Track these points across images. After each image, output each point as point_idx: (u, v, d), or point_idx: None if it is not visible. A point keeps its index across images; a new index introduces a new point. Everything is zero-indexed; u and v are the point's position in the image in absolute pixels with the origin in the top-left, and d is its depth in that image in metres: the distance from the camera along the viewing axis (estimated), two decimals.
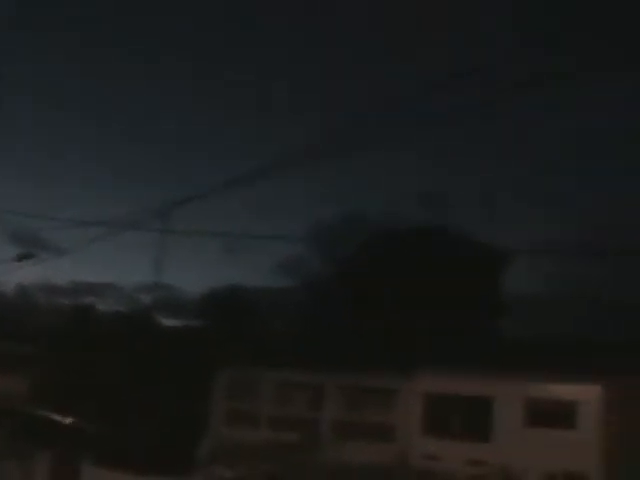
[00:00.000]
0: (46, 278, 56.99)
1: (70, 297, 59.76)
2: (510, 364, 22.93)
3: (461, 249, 42.82)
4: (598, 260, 37.89)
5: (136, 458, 31.66)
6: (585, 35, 11.68)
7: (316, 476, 25.67)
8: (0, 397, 38.72)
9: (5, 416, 36.57)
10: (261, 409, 28.89)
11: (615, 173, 62.60)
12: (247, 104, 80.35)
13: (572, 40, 12.03)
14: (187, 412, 33.23)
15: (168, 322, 51.29)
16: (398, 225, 45.23)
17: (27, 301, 58.59)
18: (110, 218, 28.11)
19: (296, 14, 70.80)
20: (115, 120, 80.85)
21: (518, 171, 69.79)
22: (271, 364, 29.46)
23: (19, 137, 79.02)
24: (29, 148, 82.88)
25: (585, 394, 20.49)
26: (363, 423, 25.71)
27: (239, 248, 67.08)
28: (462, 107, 14.72)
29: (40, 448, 33.74)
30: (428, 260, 41.61)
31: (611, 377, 20.44)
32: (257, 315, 47.33)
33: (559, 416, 20.83)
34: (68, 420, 36.50)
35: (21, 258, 29.25)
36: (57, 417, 36.87)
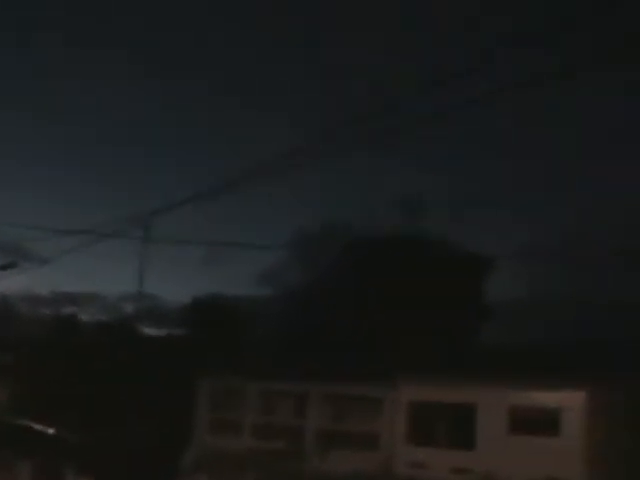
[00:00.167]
0: (28, 287, 56.72)
1: (52, 306, 59.52)
2: (494, 371, 22.99)
3: (443, 256, 42.95)
4: (581, 265, 38.11)
5: (119, 468, 31.60)
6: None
7: None
8: None
9: None
10: (245, 418, 28.87)
11: (595, 177, 62.67)
12: (230, 108, 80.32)
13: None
14: (170, 421, 33.18)
15: (151, 331, 51.20)
16: (379, 233, 45.30)
17: (9, 310, 58.30)
18: (92, 227, 28.11)
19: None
20: (97, 128, 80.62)
21: (498, 176, 69.99)
22: (254, 373, 29.46)
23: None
24: (9, 156, 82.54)
25: (569, 401, 20.52)
26: (347, 432, 25.72)
27: (221, 257, 66.89)
28: (441, 112, 14.79)
29: (21, 458, 33.63)
30: (410, 268, 41.70)
31: (595, 384, 20.50)
32: (240, 324, 47.30)
33: (543, 423, 20.85)
34: (50, 430, 36.39)
35: (4, 268, 29.23)
36: (39, 427, 36.75)
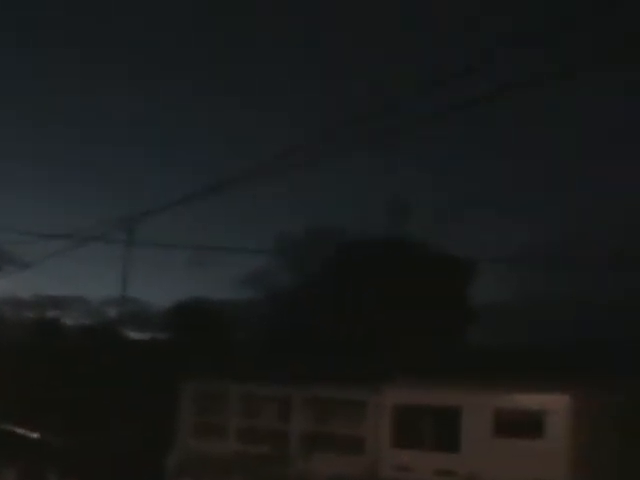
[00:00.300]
0: (12, 291, 56.56)
1: (36, 310, 59.38)
2: (478, 374, 23.02)
3: (429, 258, 43.03)
4: (565, 269, 38.19)
5: (102, 472, 31.52)
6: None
7: None
8: None
9: None
10: (229, 421, 28.81)
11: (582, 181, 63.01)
12: (213, 112, 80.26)
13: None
14: (153, 425, 33.11)
15: (135, 335, 51.13)
16: (365, 236, 45.39)
17: None
18: (75, 231, 28.04)
19: None
20: (80, 131, 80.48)
21: (484, 179, 70.22)
22: (238, 376, 29.42)
23: None
24: None
25: (553, 403, 20.56)
26: (332, 435, 25.69)
27: (205, 261, 66.90)
28: (425, 117, 14.79)
29: (5, 462, 33.52)
30: (395, 271, 41.76)
31: (579, 386, 20.55)
32: (224, 327, 47.29)
33: (527, 426, 20.88)
34: (33, 434, 36.30)
35: None
36: (22, 431, 36.65)
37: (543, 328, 37.31)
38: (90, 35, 79.28)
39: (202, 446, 29.01)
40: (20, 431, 36.46)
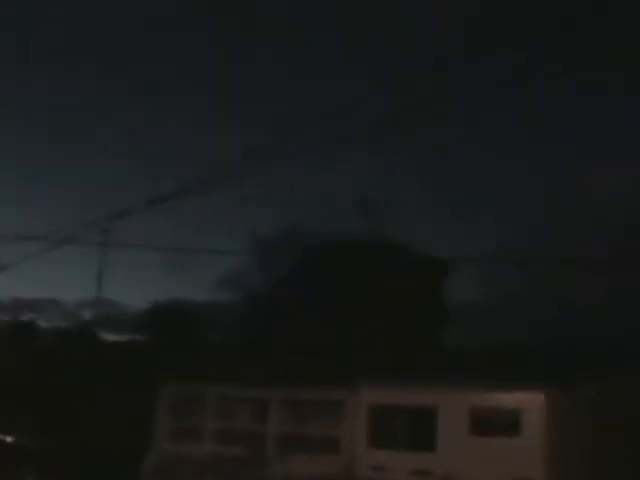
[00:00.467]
0: None
1: (10, 313, 59.07)
2: (454, 373, 23.08)
3: (401, 259, 43.08)
4: (539, 267, 38.34)
5: (78, 475, 31.42)
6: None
7: None
8: None
9: None
10: (205, 423, 28.76)
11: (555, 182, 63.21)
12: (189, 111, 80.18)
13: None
14: (130, 427, 33.03)
15: (110, 337, 50.96)
16: (337, 237, 45.37)
17: None
18: (50, 233, 27.92)
19: None
20: (56, 133, 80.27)
21: (457, 178, 70.40)
22: (215, 378, 29.36)
23: None
24: None
25: (528, 401, 20.66)
26: (308, 436, 25.69)
27: (181, 262, 66.67)
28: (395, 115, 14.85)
29: None
30: (369, 271, 41.79)
31: (554, 384, 20.67)
32: (200, 329, 47.18)
33: (503, 424, 20.99)
34: (8, 437, 36.13)
35: None
36: None
37: (518, 327, 37.43)
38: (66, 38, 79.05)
39: (178, 448, 28.96)
40: None
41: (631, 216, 44.10)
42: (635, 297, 37.86)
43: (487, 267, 42.90)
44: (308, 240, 46.79)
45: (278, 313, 44.43)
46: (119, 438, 33.40)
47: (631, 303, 37.32)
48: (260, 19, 68.97)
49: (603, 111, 66.51)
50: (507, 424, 20.93)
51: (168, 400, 30.14)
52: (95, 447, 33.66)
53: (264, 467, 26.06)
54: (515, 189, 67.21)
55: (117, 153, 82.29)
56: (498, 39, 12.71)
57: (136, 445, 30.46)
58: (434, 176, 71.93)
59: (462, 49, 13.43)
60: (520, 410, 20.73)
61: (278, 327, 42.59)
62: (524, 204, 61.02)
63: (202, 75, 76.95)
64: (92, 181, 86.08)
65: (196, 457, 28.03)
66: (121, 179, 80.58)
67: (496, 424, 21.23)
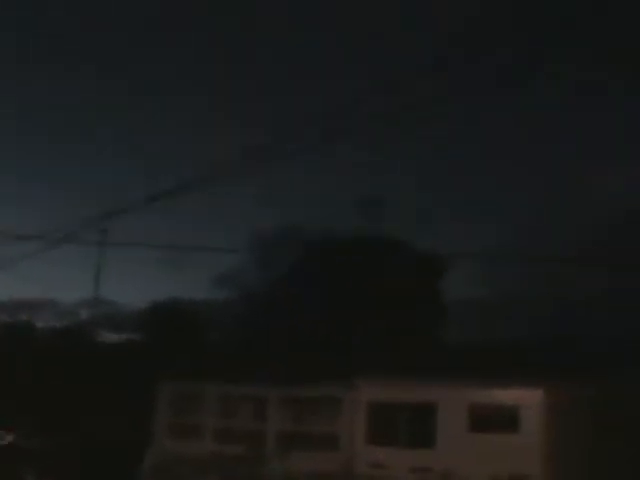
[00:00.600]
0: None
1: (8, 313, 59.10)
2: (453, 370, 23.11)
3: (400, 257, 43.08)
4: (538, 265, 38.38)
5: (78, 474, 31.43)
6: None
7: None
8: None
9: None
10: (205, 422, 28.79)
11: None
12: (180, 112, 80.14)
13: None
14: (130, 426, 33.04)
15: (109, 336, 50.98)
16: (338, 234, 45.35)
17: None
18: (47, 232, 27.91)
19: None
20: (51, 133, 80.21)
21: (453, 176, 70.53)
22: (214, 377, 29.39)
23: None
24: None
25: (527, 398, 20.70)
26: (308, 433, 25.73)
27: (179, 261, 66.72)
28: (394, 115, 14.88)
29: None
30: (366, 269, 41.79)
31: (552, 381, 20.70)
32: (199, 327, 47.17)
33: (502, 421, 21.02)
34: (8, 436, 36.15)
35: None
36: None
37: (517, 324, 37.47)
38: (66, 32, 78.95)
39: (178, 446, 28.99)
40: None
41: (631, 215, 44.22)
42: (635, 296, 37.91)
43: (486, 265, 42.95)
44: (307, 238, 46.81)
45: (277, 311, 44.43)
46: (118, 437, 33.41)
47: (631, 302, 37.37)
48: (260, 19, 69.05)
49: (603, 111, 66.64)
50: (506, 421, 20.97)
51: (167, 399, 30.17)
52: (94, 446, 33.67)
53: (263, 465, 26.10)
54: (515, 189, 67.39)
55: (117, 153, 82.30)
56: (498, 39, 12.75)
57: (136, 444, 30.49)
58: (434, 175, 72.04)
59: (462, 49, 13.48)
60: (519, 407, 20.78)
61: (277, 325, 42.61)
62: (523, 203, 61.17)
63: (202, 75, 77.07)
64: (92, 181, 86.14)
65: (196, 455, 28.07)
66: (121, 179, 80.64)
67: (495, 421, 21.27)
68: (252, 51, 72.92)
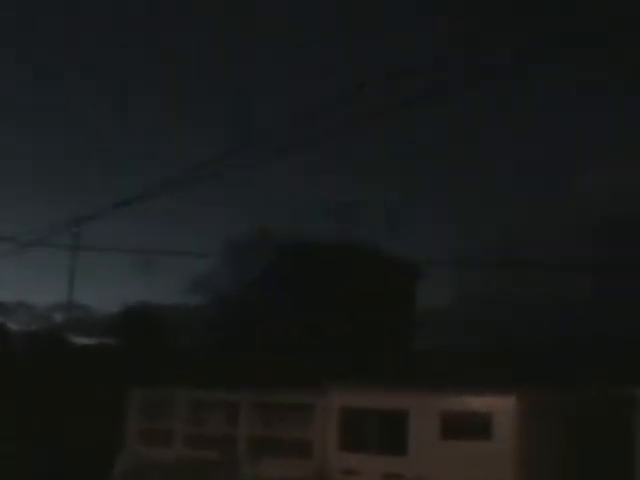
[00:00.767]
0: None
1: None
2: (424, 377, 23.10)
3: (373, 262, 43.10)
4: (508, 271, 38.49)
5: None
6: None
7: None
8: None
9: None
10: (176, 427, 28.65)
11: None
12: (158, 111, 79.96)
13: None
14: (100, 431, 32.86)
15: (81, 341, 50.72)
16: (309, 240, 45.39)
17: None
18: (19, 235, 27.74)
19: None
20: (22, 135, 79.85)
21: (427, 183, 70.70)
22: (185, 382, 29.29)
23: None
24: None
25: (500, 405, 20.68)
26: (279, 439, 25.64)
27: (151, 265, 66.52)
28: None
29: None
30: (340, 274, 41.80)
31: (525, 387, 20.72)
32: (170, 332, 47.06)
33: (475, 427, 21.00)
34: None
35: None
36: None
37: (490, 331, 37.53)
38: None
39: (149, 452, 28.83)
40: None
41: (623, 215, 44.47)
42: (608, 300, 38.11)
43: (459, 271, 43.05)
44: (280, 242, 46.77)
45: (248, 315, 44.36)
46: (89, 442, 33.23)
47: (603, 306, 37.56)
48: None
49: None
50: (478, 428, 20.94)
51: (138, 404, 30.00)
52: (64, 451, 33.47)
53: (235, 470, 25.99)
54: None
55: (88, 152, 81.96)
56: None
57: (106, 449, 30.30)
58: (412, 179, 72.20)
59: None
60: (491, 414, 20.75)
61: (248, 329, 42.52)
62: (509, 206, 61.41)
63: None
64: (63, 182, 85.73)
65: (167, 460, 27.93)
66: (93, 180, 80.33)
67: (467, 428, 21.24)
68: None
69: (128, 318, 48.76)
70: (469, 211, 63.69)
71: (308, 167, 55.16)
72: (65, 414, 36.62)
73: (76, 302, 51.94)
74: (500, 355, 24.15)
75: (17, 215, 72.92)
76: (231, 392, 27.15)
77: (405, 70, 13.33)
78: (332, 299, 41.09)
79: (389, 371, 25.07)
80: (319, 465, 24.10)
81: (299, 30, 74.99)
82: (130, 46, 79.11)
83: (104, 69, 79.89)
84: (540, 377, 21.20)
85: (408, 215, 69.20)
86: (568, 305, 39.42)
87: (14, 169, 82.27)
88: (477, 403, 21.11)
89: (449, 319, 42.44)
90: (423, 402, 22.20)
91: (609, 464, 20.67)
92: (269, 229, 47.72)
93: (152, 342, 43.63)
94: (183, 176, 20.19)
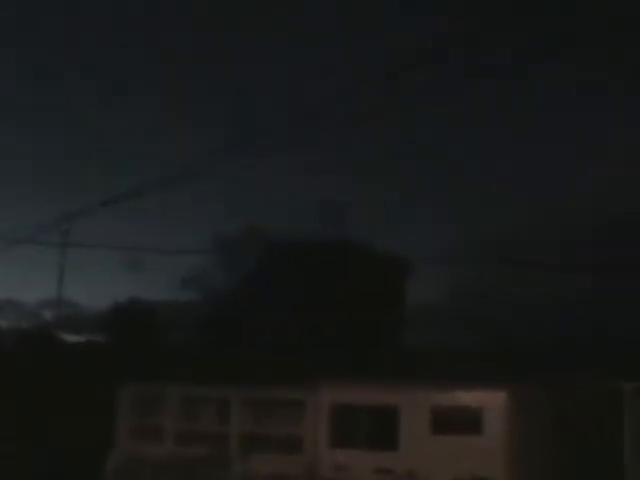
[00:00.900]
0: None
1: None
2: (415, 372, 23.13)
3: (363, 259, 43.13)
4: (499, 269, 38.54)
5: (40, 477, 31.20)
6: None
7: None
8: None
9: None
10: (167, 424, 28.62)
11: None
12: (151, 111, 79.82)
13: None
14: (91, 428, 32.82)
15: (71, 338, 50.63)
16: (300, 238, 45.40)
17: None
18: (7, 231, 27.67)
19: None
20: (22, 135, 79.72)
21: (419, 179, 70.63)
22: (176, 378, 29.27)
23: None
24: None
25: (490, 400, 20.73)
26: (271, 436, 25.64)
27: (143, 262, 66.33)
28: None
29: None
30: (332, 270, 41.82)
31: (516, 383, 20.76)
32: (160, 329, 47.01)
33: (465, 423, 21.04)
34: None
35: None
36: None
37: (481, 327, 37.59)
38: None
39: (140, 449, 28.80)
40: None
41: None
42: (608, 300, 38.20)
43: (451, 268, 43.07)
44: (272, 239, 46.75)
45: (240, 312, 44.35)
46: (80, 440, 33.17)
47: (593, 303, 37.64)
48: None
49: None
50: (469, 423, 20.99)
51: (129, 401, 29.97)
52: (55, 449, 33.42)
53: (226, 467, 25.98)
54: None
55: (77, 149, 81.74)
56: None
57: (98, 447, 30.27)
58: (405, 177, 72.20)
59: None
60: (482, 409, 20.80)
61: (240, 326, 42.52)
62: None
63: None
64: (52, 179, 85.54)
65: (158, 457, 27.90)
66: (82, 177, 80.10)
67: (458, 423, 21.28)
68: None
69: (118, 315, 48.71)
70: (469, 211, 63.62)
71: (308, 167, 55.13)
72: (55, 412, 36.55)
73: (66, 299, 51.76)
74: (491, 351, 24.21)
75: (17, 215, 72.55)
76: (222, 389, 27.13)
77: (405, 68, 13.35)
78: (323, 296, 41.10)
79: (380, 367, 25.08)
80: (310, 461, 24.11)
81: (299, 30, 74.97)
82: (130, 46, 79.06)
83: (104, 69, 79.71)
84: (532, 373, 21.25)
85: (408, 215, 69.10)
86: (568, 305, 39.50)
87: (14, 169, 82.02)
88: (468, 398, 21.16)
89: (441, 315, 42.46)
90: (414, 397, 22.23)
91: (599, 459, 20.75)
92: (259, 227, 47.67)
93: (143, 339, 43.59)
94: (174, 174, 20.15)
